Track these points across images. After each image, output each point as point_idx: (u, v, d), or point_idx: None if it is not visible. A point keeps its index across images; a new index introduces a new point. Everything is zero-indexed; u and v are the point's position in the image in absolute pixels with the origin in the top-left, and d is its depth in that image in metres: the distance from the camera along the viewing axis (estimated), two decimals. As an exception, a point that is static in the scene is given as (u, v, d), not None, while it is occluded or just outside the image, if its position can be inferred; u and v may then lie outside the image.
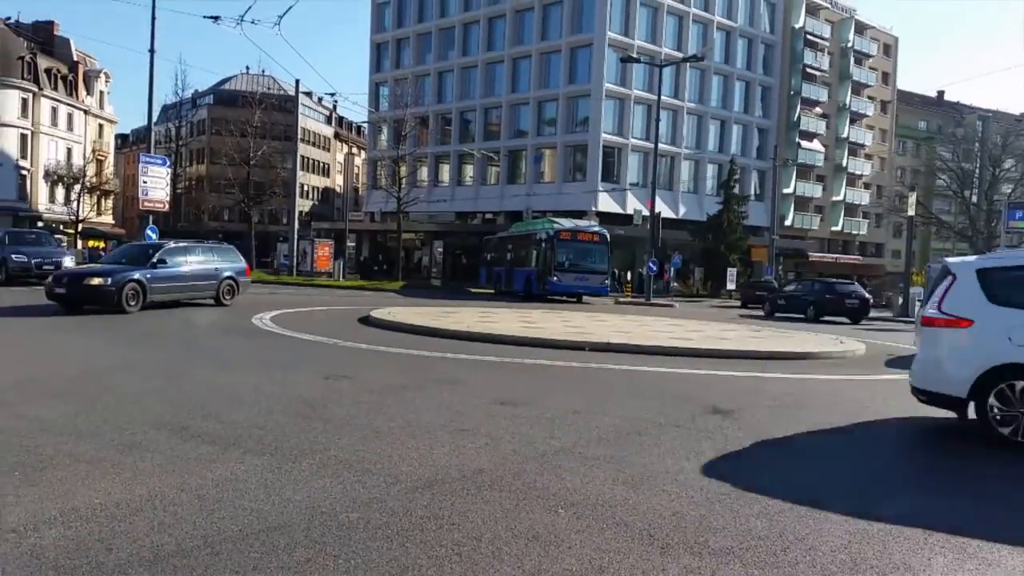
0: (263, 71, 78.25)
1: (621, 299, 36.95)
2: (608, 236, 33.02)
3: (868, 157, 74.62)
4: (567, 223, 34.59)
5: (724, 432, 6.71)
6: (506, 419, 6.80)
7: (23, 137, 60.06)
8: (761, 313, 30.83)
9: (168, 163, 28.97)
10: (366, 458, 5.26)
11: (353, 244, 59.69)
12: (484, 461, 5.34)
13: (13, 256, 22.88)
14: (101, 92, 70.12)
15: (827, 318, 27.51)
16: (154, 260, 16.70)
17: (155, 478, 4.60)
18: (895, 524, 4.36)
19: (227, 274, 18.75)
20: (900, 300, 35.25)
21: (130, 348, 11.05)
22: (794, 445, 6.40)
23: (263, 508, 4.14)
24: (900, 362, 13.00)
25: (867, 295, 29.54)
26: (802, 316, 27.75)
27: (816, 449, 6.43)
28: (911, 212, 39.13)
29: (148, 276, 16.24)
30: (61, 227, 60.26)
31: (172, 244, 18.16)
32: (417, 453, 5.46)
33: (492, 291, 36.82)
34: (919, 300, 25.88)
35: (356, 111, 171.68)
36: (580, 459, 5.54)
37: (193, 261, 17.91)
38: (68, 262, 22.89)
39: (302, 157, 76.26)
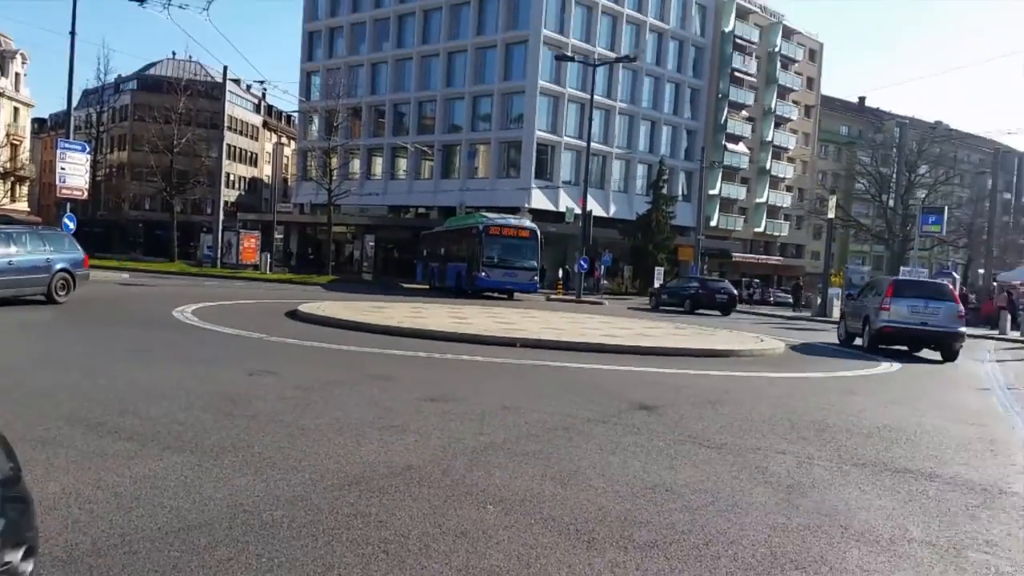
0: (190, 57, 76.00)
1: (552, 296, 37.22)
2: (539, 232, 32.58)
3: (791, 160, 76.95)
4: (497, 218, 34.14)
5: (649, 427, 6.83)
6: (435, 415, 6.78)
7: (-72, 118, 56.91)
8: (649, 307, 33.86)
9: (88, 149, 27.82)
10: (291, 455, 5.17)
11: (281, 236, 58.60)
12: (412, 458, 5.32)
13: None
14: (17, 74, 66.89)
15: (701, 311, 31.37)
16: None
17: (69, 475, 4.43)
18: (814, 518, 4.51)
19: (60, 266, 16.20)
20: (819, 300, 36.46)
21: (45, 341, 10.61)
22: (715, 440, 6.56)
23: (183, 506, 4.03)
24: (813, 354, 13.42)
25: (734, 291, 34.49)
26: (681, 309, 31.70)
27: (738, 444, 6.60)
28: (831, 215, 40.49)
29: None
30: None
31: None
32: (344, 450, 5.40)
33: (427, 286, 36.61)
34: (836, 300, 26.90)
35: (286, 100, 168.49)
36: (509, 455, 5.56)
37: (16, 251, 15.51)
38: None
39: (229, 146, 74.35)
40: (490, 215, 34.81)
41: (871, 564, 3.86)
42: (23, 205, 65.91)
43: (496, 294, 31.40)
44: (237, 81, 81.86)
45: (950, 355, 15.71)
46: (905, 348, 16.77)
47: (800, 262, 75.77)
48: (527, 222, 34.01)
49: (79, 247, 17.40)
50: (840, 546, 4.09)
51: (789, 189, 76.96)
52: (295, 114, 77.50)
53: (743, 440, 6.62)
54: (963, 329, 16.08)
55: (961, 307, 16.53)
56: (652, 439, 6.39)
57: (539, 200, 53.68)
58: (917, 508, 4.90)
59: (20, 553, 2.18)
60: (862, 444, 6.83)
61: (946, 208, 41.47)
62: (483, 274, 30.79)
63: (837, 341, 19.10)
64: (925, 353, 16.67)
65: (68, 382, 7.40)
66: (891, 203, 62.49)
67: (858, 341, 17.60)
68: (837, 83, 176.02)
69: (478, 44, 56.62)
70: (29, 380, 7.39)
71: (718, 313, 31.31)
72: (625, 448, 6.00)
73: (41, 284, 15.75)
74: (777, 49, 72.56)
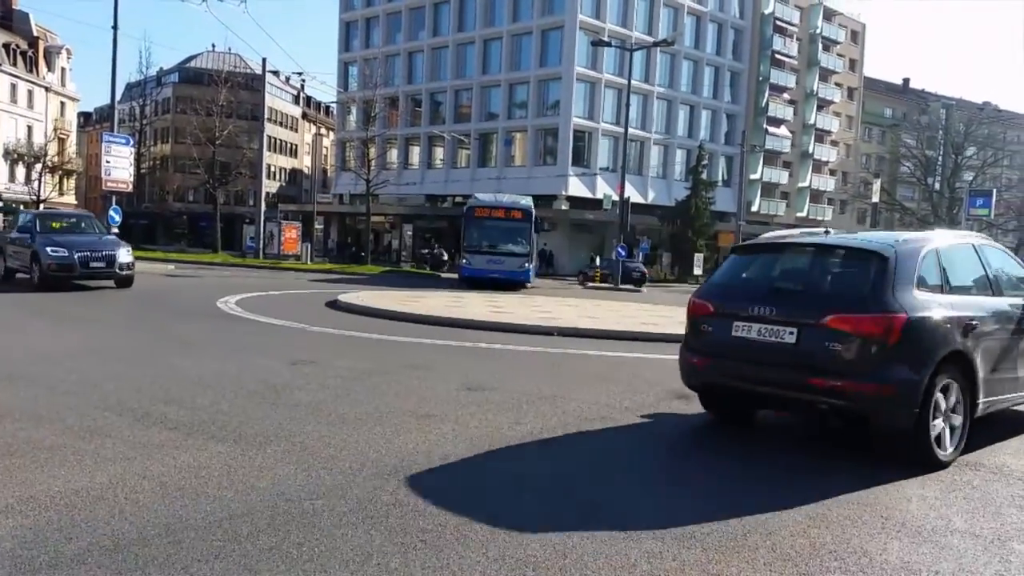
0: (229, 49, 77.08)
1: (589, 284, 37.10)
2: (532, 211, 28.73)
3: (834, 144, 75.52)
4: (486, 197, 31.03)
5: (687, 416, 6.80)
6: (473, 405, 6.82)
7: (-20, 114, 58.53)
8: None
9: (132, 142, 28.47)
10: (331, 444, 5.25)
11: (321, 227, 59.14)
12: (450, 447, 5.36)
13: (49, 250, 16.20)
14: (63, 69, 68.45)
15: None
16: None
17: (117, 465, 4.55)
18: (854, 509, 4.46)
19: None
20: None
21: (92, 331, 10.88)
22: (754, 429, 6.50)
23: (226, 495, 4.12)
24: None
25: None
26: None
27: (778, 435, 6.54)
28: (875, 199, 39.83)
29: None
30: (22, 207, 58.88)
31: None
32: (383, 439, 5.46)
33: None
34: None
35: (325, 91, 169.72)
36: (545, 445, 5.58)
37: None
38: (125, 256, 17.07)
39: (269, 137, 75.11)
40: (481, 195, 32.26)
41: (912, 556, 3.80)
42: (71, 198, 67.50)
43: (525, 285, 28.80)
44: (276, 73, 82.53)
45: None
46: None
47: (844, 247, 74.43)
48: (523, 201, 29.94)
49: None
50: (880, 539, 4.03)
51: (832, 173, 75.58)
52: (333, 105, 78.09)
53: (780, 430, 6.55)
54: None
55: None
56: (689, 427, 6.35)
57: (576, 187, 53.47)
58: (960, 498, 4.81)
59: None
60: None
61: (994, 190, 40.47)
62: (465, 261, 27.99)
63: None
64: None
65: (115, 372, 7.59)
66: (937, 186, 61.16)
67: None
68: (881, 64, 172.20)
69: (514, 31, 56.41)
70: (77, 370, 7.59)
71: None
72: (662, 436, 5.97)
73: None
74: (818, 31, 71.11)
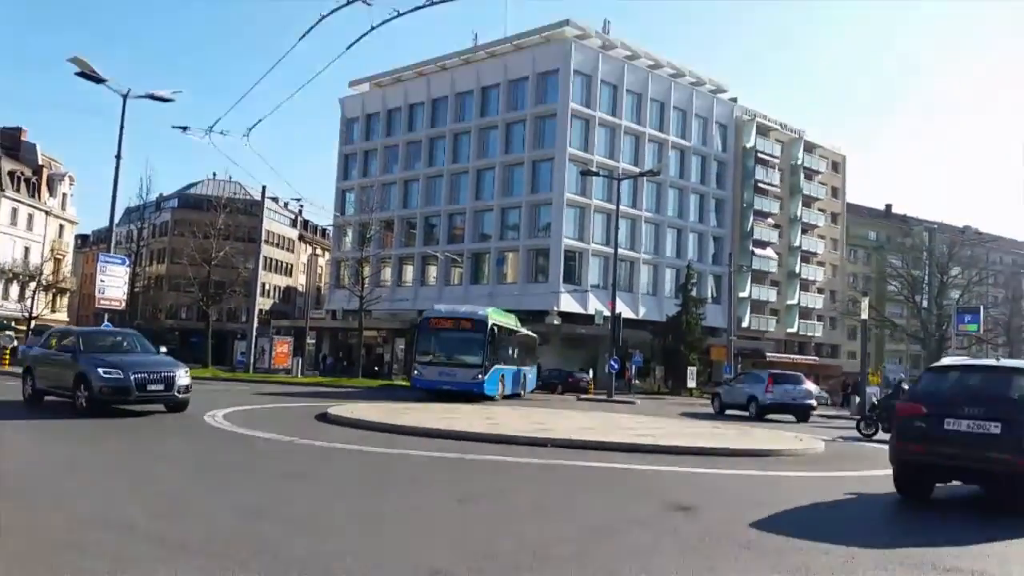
0: (230, 177, 79.05)
1: (582, 397, 36.84)
2: (487, 321, 26.59)
3: (820, 264, 76.84)
4: (442, 308, 30.16)
5: (688, 528, 6.60)
6: (468, 517, 6.62)
7: (-20, 236, 59.44)
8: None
9: (127, 263, 28.73)
10: (320, 559, 5.04)
11: (313, 341, 59.10)
12: (444, 562, 5.15)
13: (101, 371, 14.13)
14: (64, 194, 70.26)
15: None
16: None
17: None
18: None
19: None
20: (857, 399, 35.62)
21: (76, 446, 10.64)
22: (757, 542, 6.29)
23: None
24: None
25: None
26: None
27: (780, 546, 6.32)
28: (864, 316, 40.01)
29: None
30: (13, 323, 58.95)
31: None
32: (374, 552, 5.26)
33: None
34: (875, 398, 26.30)
35: (321, 215, 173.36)
36: (543, 559, 5.37)
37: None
38: (183, 377, 15.06)
39: (265, 258, 75.97)
40: (439, 307, 31.09)
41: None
42: (63, 315, 67.67)
43: (533, 394, 29.64)
44: (275, 199, 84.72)
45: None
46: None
47: (836, 362, 74.53)
48: (480, 311, 27.93)
49: None
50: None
51: (820, 291, 76.55)
52: (330, 227, 79.63)
53: (786, 541, 6.35)
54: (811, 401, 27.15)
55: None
56: (690, 540, 6.15)
57: (568, 303, 53.97)
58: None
59: None
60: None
61: (982, 307, 40.89)
62: (416, 372, 26.56)
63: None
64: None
65: (100, 488, 7.38)
66: (925, 303, 61.83)
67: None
68: (862, 190, 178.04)
69: (506, 162, 58.54)
70: (60, 485, 7.37)
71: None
72: (662, 551, 5.78)
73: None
74: (800, 162, 73.64)
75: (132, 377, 14.09)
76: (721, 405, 28.78)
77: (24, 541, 5.13)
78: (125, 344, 16.24)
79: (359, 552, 5.22)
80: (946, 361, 9.86)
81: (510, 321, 31.73)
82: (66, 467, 8.67)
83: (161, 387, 14.49)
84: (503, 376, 28.18)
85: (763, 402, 26.05)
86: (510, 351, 30.50)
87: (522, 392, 32.23)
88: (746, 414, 26.35)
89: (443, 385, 25.45)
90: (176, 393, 14.71)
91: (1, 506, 6.19)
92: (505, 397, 28.45)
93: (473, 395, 25.30)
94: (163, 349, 17.81)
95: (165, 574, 4.47)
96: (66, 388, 14.75)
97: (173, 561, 4.76)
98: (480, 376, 25.67)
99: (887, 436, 16.36)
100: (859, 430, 20.65)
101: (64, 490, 7.08)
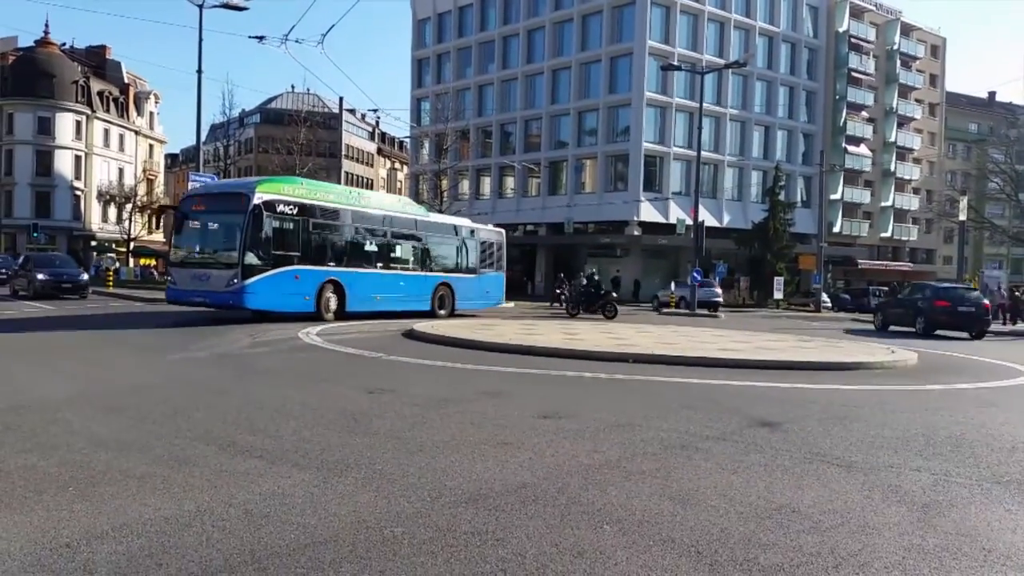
0: (308, 89, 79.85)
1: (664, 310, 36.62)
2: (251, 196, 17.68)
3: (917, 161, 73.05)
4: (199, 182, 23.50)
5: (772, 445, 6.58)
6: (549, 432, 6.76)
7: (77, 159, 62.03)
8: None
9: (216, 180, 29.62)
10: (410, 472, 5.27)
11: (396, 258, 60.22)
12: (527, 475, 5.31)
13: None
14: (151, 113, 72.09)
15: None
16: None
17: (204, 493, 4.66)
18: (952, 539, 4.21)
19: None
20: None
21: (174, 363, 11.26)
22: (843, 458, 6.24)
23: (309, 522, 4.17)
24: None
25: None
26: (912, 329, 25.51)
27: (868, 462, 6.26)
28: (963, 217, 38.17)
29: None
30: (113, 245, 61.90)
31: None
32: (460, 467, 5.45)
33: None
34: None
35: (398, 127, 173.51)
36: (624, 473, 5.47)
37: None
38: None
39: (346, 173, 77.14)
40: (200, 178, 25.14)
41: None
42: (160, 236, 70.70)
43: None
44: (352, 111, 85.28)
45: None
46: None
47: (932, 267, 71.71)
48: (250, 181, 20.19)
49: None
50: (983, 570, 3.79)
51: (916, 191, 73.03)
52: (407, 140, 79.86)
53: (874, 457, 6.27)
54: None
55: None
56: (776, 457, 6.14)
57: (648, 212, 53.12)
58: (1075, 533, 4.51)
59: None
60: (1005, 460, 6.34)
61: (1094, 205, 38.28)
62: (170, 279, 19.21)
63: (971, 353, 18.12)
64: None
65: (202, 402, 7.82)
66: (1030, 201, 58.16)
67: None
68: (964, 78, 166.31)
69: (582, 59, 56.77)
70: (165, 400, 7.85)
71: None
72: (747, 467, 5.79)
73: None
74: (896, 47, 69.23)
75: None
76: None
77: (144, 458, 5.50)
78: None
79: (447, 468, 5.41)
80: None
81: (349, 198, 21.83)
82: (173, 382, 9.21)
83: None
84: (323, 288, 19.47)
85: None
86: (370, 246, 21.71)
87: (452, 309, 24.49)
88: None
89: (195, 296, 18.27)
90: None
91: (121, 422, 6.66)
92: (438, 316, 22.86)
93: (230, 310, 18.19)
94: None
95: (273, 485, 4.76)
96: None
97: (278, 473, 5.05)
98: (235, 281, 17.42)
99: None
100: None
101: (175, 406, 7.52)
